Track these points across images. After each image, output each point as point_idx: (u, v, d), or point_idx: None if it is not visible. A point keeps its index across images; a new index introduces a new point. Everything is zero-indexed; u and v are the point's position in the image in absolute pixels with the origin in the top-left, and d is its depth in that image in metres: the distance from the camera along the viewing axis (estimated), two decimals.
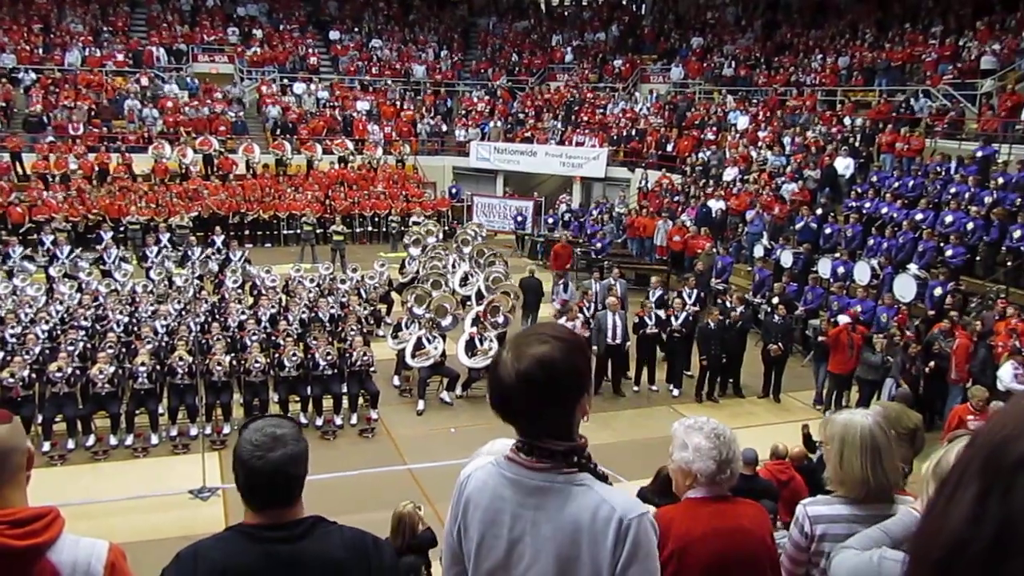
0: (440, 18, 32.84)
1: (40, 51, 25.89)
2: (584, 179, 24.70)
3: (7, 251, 16.07)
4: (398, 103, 27.48)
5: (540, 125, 26.10)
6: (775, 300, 13.04)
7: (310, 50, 29.22)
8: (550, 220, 22.53)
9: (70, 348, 10.60)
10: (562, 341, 1.84)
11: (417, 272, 16.00)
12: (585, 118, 25.85)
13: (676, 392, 12.41)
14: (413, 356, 11.59)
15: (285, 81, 27.43)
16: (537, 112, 26.97)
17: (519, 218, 23.00)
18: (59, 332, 11.72)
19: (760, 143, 20.51)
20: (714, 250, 16.80)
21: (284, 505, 2.01)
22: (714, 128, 22.35)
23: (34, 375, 10.02)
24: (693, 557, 2.47)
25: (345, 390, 10.94)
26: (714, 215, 18.28)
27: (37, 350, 10.63)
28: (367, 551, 2.06)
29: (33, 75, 24.70)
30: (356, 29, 30.95)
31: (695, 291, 13.66)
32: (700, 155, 21.55)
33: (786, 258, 15.48)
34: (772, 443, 7.63)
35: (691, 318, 12.59)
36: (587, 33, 31.13)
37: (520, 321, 13.72)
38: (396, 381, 12.32)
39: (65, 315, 12.59)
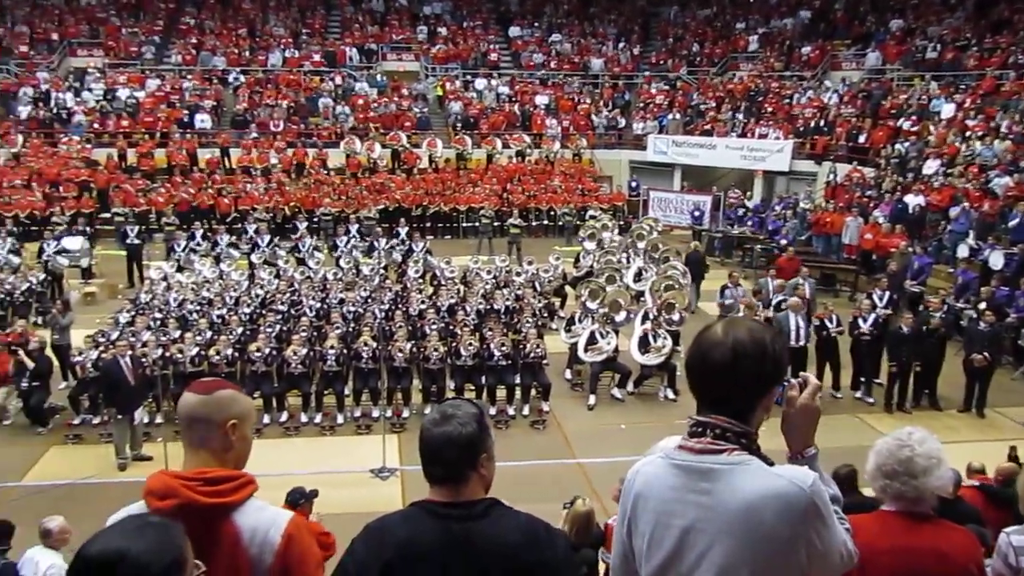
0: (620, 10, 32.58)
1: (247, 54, 28.18)
2: (766, 173, 23.68)
3: (215, 239, 17.57)
4: (576, 97, 27.54)
5: (720, 117, 25.27)
6: (982, 305, 11.92)
7: (491, 46, 29.90)
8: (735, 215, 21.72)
9: (268, 330, 11.45)
10: (773, 331, 1.96)
11: (591, 266, 15.96)
12: (769, 109, 24.76)
13: (868, 399, 11.63)
14: (586, 350, 11.59)
15: (467, 77, 28.22)
16: (718, 103, 26.14)
17: (696, 213, 22.39)
18: (259, 315, 12.68)
19: (969, 133, 18.79)
20: (910, 249, 15.60)
21: (456, 482, 2.07)
22: (913, 117, 20.69)
23: (236, 354, 10.91)
24: (873, 570, 2.35)
25: (518, 381, 11.11)
26: (911, 211, 16.96)
27: (239, 331, 11.56)
28: (540, 537, 2.08)
29: (240, 76, 26.94)
30: (536, 24, 31.33)
31: (887, 293, 12.74)
32: (896, 147, 20.01)
33: (996, 259, 14.10)
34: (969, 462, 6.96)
35: (882, 321, 11.75)
36: (773, 19, 29.78)
37: None
38: (568, 375, 12.37)
39: (265, 299, 13.60)
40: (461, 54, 29.15)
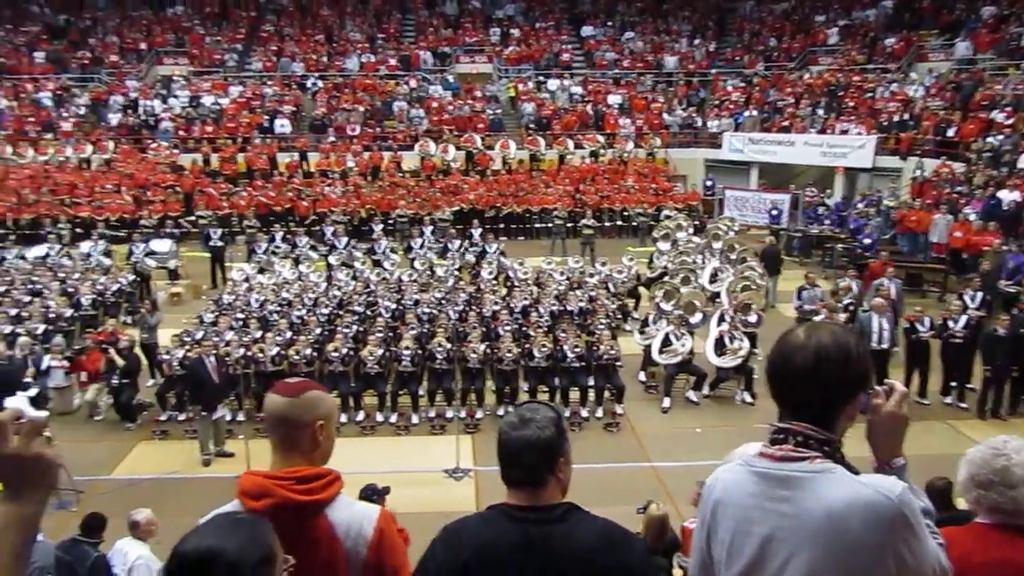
0: (694, 6, 32.11)
1: (324, 59, 28.83)
2: (848, 170, 22.94)
3: (295, 241, 18.00)
4: (649, 96, 27.24)
5: (799, 113, 24.61)
6: None
7: (564, 46, 29.84)
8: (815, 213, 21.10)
9: (345, 331, 11.66)
10: (857, 335, 1.96)
11: (666, 267, 15.76)
12: (850, 103, 23.99)
13: (961, 405, 11.14)
14: (660, 352, 11.43)
15: (540, 78, 28.23)
16: (796, 99, 25.46)
17: (774, 212, 21.86)
18: (336, 316, 12.92)
19: None
20: (1004, 247, 14.88)
21: (534, 486, 2.07)
22: (1008, 108, 19.74)
23: (315, 353, 11.14)
24: None
25: (592, 383, 11.03)
26: (1005, 207, 16.17)
27: (318, 331, 11.80)
28: (617, 541, 2.07)
29: (319, 81, 27.56)
30: (609, 23, 31.12)
31: (979, 293, 12.17)
32: (989, 140, 19.13)
33: None
34: None
35: (974, 323, 11.24)
36: (854, 11, 28.87)
37: None
38: (642, 377, 12.22)
39: (342, 300, 13.86)
40: (534, 55, 29.19)
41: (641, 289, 15.41)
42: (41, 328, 12.16)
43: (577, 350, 11.02)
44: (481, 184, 22.94)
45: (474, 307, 13.25)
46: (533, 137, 24.84)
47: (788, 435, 1.85)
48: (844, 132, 23.03)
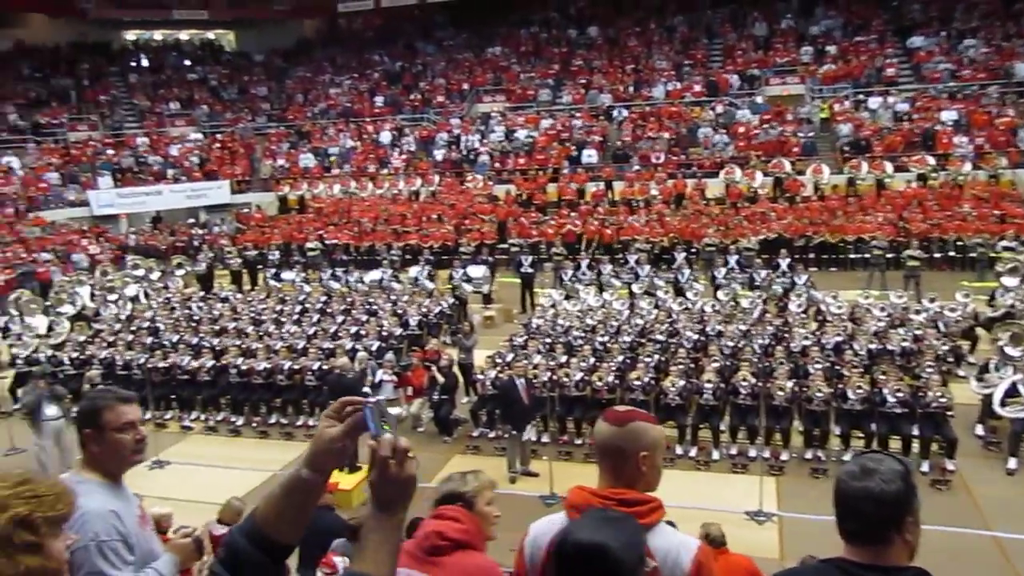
0: None
1: (631, 89, 29.39)
2: None
3: (599, 268, 18.43)
4: (993, 110, 24.15)
5: None
6: None
7: (887, 60, 27.55)
8: None
9: (647, 359, 11.67)
10: None
11: (1012, 306, 13.80)
12: None
13: None
14: (1003, 404, 10.00)
15: (859, 96, 26.31)
16: None
17: None
18: (638, 344, 12.99)
19: None
20: None
21: (876, 543, 1.96)
22: None
23: (616, 381, 11.27)
24: None
25: (916, 432, 9.93)
26: None
27: (620, 358, 11.94)
28: None
29: (625, 111, 28.15)
30: (943, 32, 28.17)
31: None
32: None
33: None
34: None
35: None
36: None
37: None
38: (980, 431, 10.76)
39: (644, 328, 13.90)
40: (852, 71, 27.28)
41: (979, 330, 13.63)
42: (376, 345, 13.64)
43: (900, 394, 10.00)
44: (790, 211, 21.84)
45: (781, 341, 12.60)
46: (856, 160, 23.13)
47: None
48: None
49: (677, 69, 29.98)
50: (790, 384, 10.52)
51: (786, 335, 12.92)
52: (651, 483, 2.30)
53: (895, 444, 10.03)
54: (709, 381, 10.71)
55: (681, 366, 11.20)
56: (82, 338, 14.90)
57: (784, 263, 17.72)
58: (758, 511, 9.06)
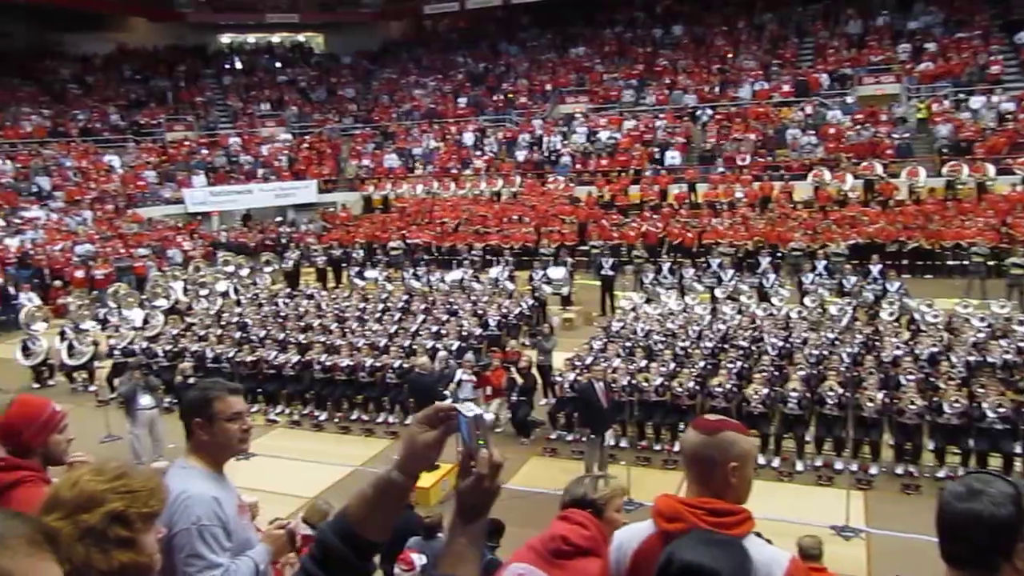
0: None
1: (716, 89, 28.83)
2: None
3: (681, 272, 18.13)
4: None
5: None
6: None
7: (992, 57, 26.24)
8: None
9: (729, 366, 11.41)
10: None
11: None
12: None
13: None
14: None
15: (959, 95, 25.15)
16: None
17: None
18: (720, 350, 12.71)
19: None
20: None
21: (981, 568, 1.83)
22: None
23: (697, 387, 11.05)
24: None
25: (1020, 450, 9.43)
26: None
27: (701, 364, 11.72)
28: None
29: (710, 112, 27.64)
30: None
31: None
32: None
33: None
34: None
35: None
36: None
37: None
38: None
39: (726, 334, 13.61)
40: (953, 70, 26.07)
41: None
42: (456, 344, 13.73)
43: (1001, 410, 9.50)
44: (882, 215, 21.01)
45: (871, 351, 12.14)
46: (957, 163, 22.11)
47: None
48: None
49: (765, 69, 29.27)
50: (880, 395, 10.12)
51: (877, 344, 12.46)
52: (740, 495, 2.24)
53: (995, 462, 9.55)
54: (794, 390, 10.40)
55: (765, 374, 10.93)
56: (175, 331, 15.50)
57: (876, 269, 17.05)
58: (844, 526, 8.75)
